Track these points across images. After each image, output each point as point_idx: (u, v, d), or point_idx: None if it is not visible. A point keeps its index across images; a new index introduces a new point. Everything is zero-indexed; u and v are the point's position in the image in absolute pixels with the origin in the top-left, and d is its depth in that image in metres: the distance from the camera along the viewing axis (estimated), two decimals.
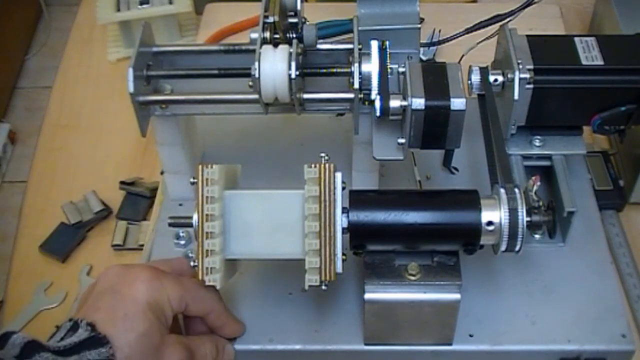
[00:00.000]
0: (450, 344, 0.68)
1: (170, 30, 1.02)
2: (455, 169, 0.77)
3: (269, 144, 0.83)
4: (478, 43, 0.79)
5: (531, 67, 0.70)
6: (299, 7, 0.70)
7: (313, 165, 0.61)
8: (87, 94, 1.01)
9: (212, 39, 1.02)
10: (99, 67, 1.04)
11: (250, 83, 0.65)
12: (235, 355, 0.69)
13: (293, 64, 0.64)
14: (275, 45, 0.66)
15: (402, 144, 0.66)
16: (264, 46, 0.66)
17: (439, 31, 0.95)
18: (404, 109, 0.65)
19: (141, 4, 1.00)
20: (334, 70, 0.68)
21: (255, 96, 0.66)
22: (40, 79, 1.08)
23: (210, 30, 1.03)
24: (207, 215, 0.61)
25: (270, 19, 0.67)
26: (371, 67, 0.66)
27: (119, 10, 1.00)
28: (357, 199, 0.63)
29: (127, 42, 1.03)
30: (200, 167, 0.61)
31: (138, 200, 0.87)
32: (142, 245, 0.81)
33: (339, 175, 0.61)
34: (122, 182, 0.88)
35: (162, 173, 0.79)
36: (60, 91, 1.02)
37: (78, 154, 0.95)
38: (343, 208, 0.62)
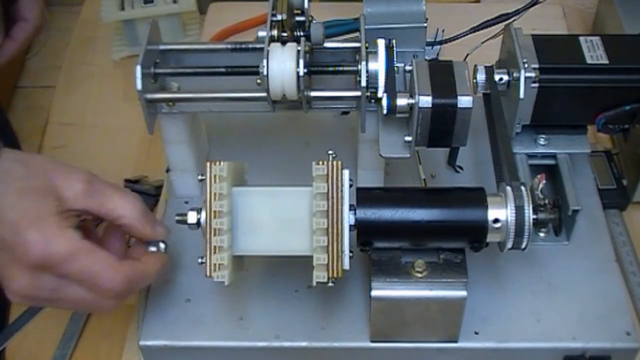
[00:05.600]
0: (455, 341, 0.68)
1: (174, 29, 1.02)
2: (460, 167, 0.77)
3: (274, 142, 0.84)
4: (483, 42, 0.79)
5: (536, 66, 0.70)
6: (306, 5, 0.70)
7: (321, 163, 0.61)
8: (91, 93, 1.01)
9: (215, 38, 1.02)
10: (102, 66, 1.04)
11: (259, 81, 0.65)
12: (240, 353, 0.69)
13: (301, 62, 0.64)
14: (283, 43, 0.66)
15: (408, 141, 0.67)
16: (272, 44, 0.66)
17: (443, 31, 0.95)
18: (410, 106, 0.65)
19: (145, 2, 1.00)
20: (342, 68, 0.68)
21: (263, 94, 0.66)
22: (40, 79, 1.08)
23: (214, 30, 1.03)
24: (215, 211, 0.61)
25: (278, 17, 0.67)
26: (378, 65, 0.67)
27: (123, 9, 1.00)
28: (365, 197, 0.63)
29: (131, 41, 1.03)
30: (208, 164, 0.61)
31: (143, 198, 0.86)
32: None
33: (346, 172, 0.61)
34: (126, 180, 0.88)
35: (167, 171, 0.79)
36: (64, 90, 1.02)
37: (82, 152, 0.95)
38: (350, 205, 0.62)
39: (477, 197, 0.63)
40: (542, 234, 0.74)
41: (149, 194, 0.87)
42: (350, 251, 0.61)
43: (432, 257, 0.65)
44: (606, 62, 0.71)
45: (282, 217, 0.63)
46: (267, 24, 0.67)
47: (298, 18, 0.71)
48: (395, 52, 0.68)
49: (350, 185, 0.62)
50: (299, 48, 0.65)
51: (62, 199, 0.61)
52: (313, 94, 0.67)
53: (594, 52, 0.72)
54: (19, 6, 0.84)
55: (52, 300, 0.62)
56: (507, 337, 0.68)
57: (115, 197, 0.64)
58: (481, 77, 0.73)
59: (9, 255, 0.60)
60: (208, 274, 0.62)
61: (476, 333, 0.69)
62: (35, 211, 0.60)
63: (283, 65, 0.64)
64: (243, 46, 0.71)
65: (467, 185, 0.66)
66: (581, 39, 0.73)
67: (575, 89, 0.71)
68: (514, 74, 0.71)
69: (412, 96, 0.65)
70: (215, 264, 0.62)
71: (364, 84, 0.65)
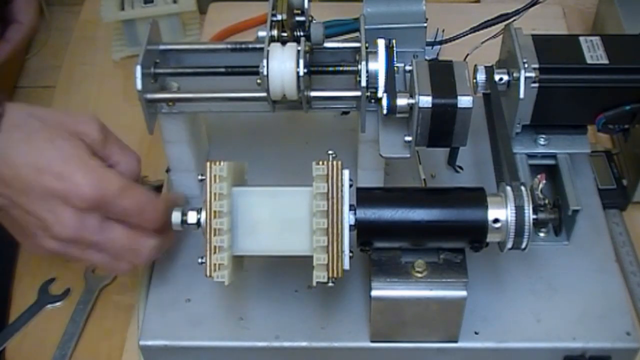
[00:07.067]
0: (455, 342, 0.68)
1: (174, 29, 1.02)
2: (460, 167, 0.78)
3: (273, 142, 0.84)
4: (483, 42, 0.79)
5: (536, 66, 0.70)
6: (306, 5, 0.70)
7: (321, 163, 0.61)
8: (91, 93, 1.01)
9: (215, 38, 1.02)
10: (102, 66, 1.04)
11: (259, 81, 0.65)
12: (240, 353, 0.69)
13: (301, 62, 0.64)
14: (283, 43, 0.66)
15: (408, 141, 0.67)
16: (272, 44, 0.66)
17: (443, 31, 0.95)
18: (410, 106, 0.65)
19: (145, 2, 1.00)
20: (342, 68, 0.68)
21: (263, 94, 0.66)
22: (40, 79, 1.08)
23: (214, 30, 1.03)
24: (215, 211, 0.61)
25: (278, 17, 0.67)
26: (378, 65, 0.67)
27: (123, 9, 1.00)
28: (365, 197, 0.63)
29: (131, 41, 1.03)
30: (208, 164, 0.62)
31: None
32: None
33: (346, 172, 0.61)
34: None
35: (167, 171, 0.79)
36: (64, 90, 1.02)
37: None
38: (350, 205, 0.62)
39: (477, 197, 0.63)
40: (542, 234, 0.74)
41: None
42: (350, 251, 0.61)
43: (432, 257, 0.65)
44: (606, 62, 0.71)
45: (282, 217, 0.63)
46: (267, 24, 0.67)
47: (298, 18, 0.71)
48: (395, 52, 0.68)
49: (350, 185, 0.62)
50: (299, 48, 0.65)
51: (88, 144, 0.64)
52: (313, 94, 0.67)
53: (594, 52, 0.72)
54: (13, 8, 0.84)
55: (91, 245, 0.65)
56: (507, 337, 0.68)
57: (122, 158, 0.68)
58: (481, 77, 0.73)
59: (55, 201, 0.62)
60: (208, 274, 0.62)
61: (476, 333, 0.69)
62: (75, 155, 0.63)
63: (283, 65, 0.64)
64: (243, 46, 0.71)
65: (467, 185, 0.66)
66: (581, 39, 0.73)
67: (575, 89, 0.71)
68: (514, 74, 0.71)
69: (412, 96, 0.65)
70: (215, 264, 0.62)
71: (364, 84, 0.65)
